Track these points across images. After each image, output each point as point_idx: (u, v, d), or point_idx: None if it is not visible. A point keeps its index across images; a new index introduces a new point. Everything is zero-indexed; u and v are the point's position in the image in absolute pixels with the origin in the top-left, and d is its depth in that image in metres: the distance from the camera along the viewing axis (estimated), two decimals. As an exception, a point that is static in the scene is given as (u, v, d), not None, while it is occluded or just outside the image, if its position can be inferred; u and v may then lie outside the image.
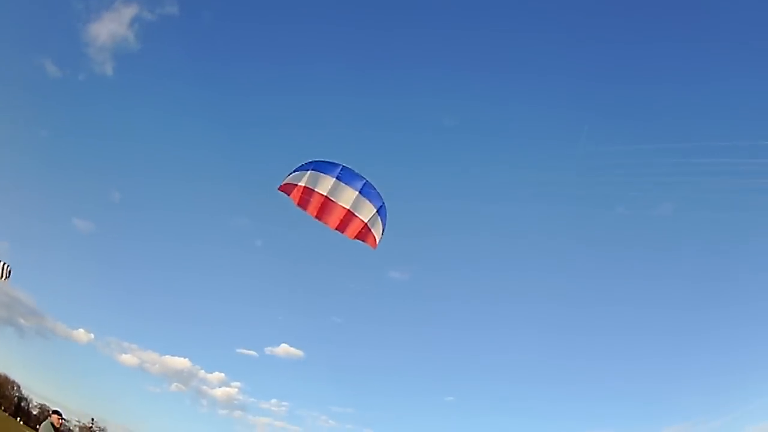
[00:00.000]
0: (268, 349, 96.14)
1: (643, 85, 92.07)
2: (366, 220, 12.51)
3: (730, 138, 77.39)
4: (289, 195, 12.65)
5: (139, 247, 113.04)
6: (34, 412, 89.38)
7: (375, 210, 12.50)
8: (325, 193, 12.41)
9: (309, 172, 12.45)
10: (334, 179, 12.38)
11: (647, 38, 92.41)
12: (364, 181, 12.51)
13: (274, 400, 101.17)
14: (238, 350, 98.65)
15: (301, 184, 12.50)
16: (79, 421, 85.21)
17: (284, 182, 12.70)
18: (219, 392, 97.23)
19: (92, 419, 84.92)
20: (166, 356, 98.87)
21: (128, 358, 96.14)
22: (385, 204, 12.69)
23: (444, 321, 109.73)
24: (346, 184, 12.40)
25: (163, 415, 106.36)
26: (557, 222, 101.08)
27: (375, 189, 12.59)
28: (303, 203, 12.57)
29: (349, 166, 12.47)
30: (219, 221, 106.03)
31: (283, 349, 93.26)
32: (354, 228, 12.62)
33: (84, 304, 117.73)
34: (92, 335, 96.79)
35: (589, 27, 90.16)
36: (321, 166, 12.44)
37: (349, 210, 12.49)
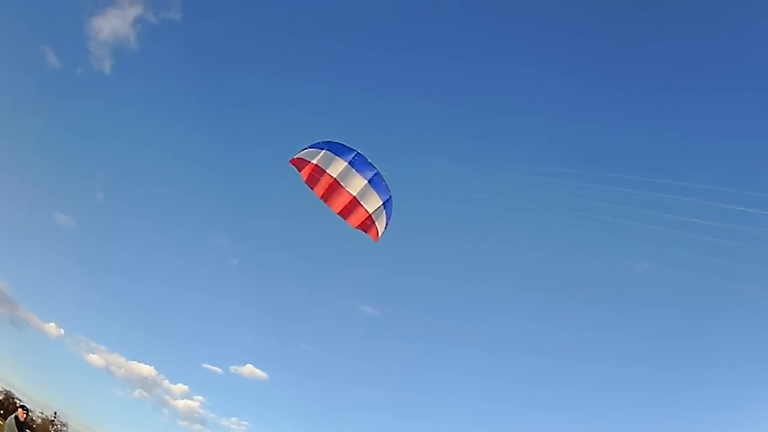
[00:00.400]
0: (233, 368, 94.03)
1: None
2: (371, 212, 12.46)
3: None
4: (299, 170, 12.51)
5: (118, 249, 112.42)
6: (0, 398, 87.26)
7: (381, 203, 12.48)
8: (335, 176, 12.32)
9: (323, 151, 12.39)
10: (347, 164, 12.28)
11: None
12: (375, 171, 12.45)
13: (234, 419, 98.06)
14: (204, 365, 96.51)
15: (314, 161, 12.41)
16: (42, 413, 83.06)
17: (297, 156, 12.59)
18: (181, 404, 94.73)
19: (55, 413, 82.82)
20: (133, 362, 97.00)
21: (95, 359, 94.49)
22: (392, 198, 12.56)
23: (413, 363, 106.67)
24: (357, 171, 12.33)
25: (125, 420, 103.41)
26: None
27: (384, 182, 12.51)
28: (311, 181, 12.40)
29: (363, 154, 12.32)
30: (199, 236, 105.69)
31: (249, 369, 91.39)
32: (358, 217, 12.54)
33: (58, 299, 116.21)
34: (62, 330, 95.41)
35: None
36: (336, 148, 12.37)
37: (355, 197, 12.41)
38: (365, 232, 12.71)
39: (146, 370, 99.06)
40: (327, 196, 12.50)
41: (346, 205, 12.48)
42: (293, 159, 12.66)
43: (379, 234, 12.60)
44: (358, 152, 12.35)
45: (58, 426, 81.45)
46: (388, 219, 12.71)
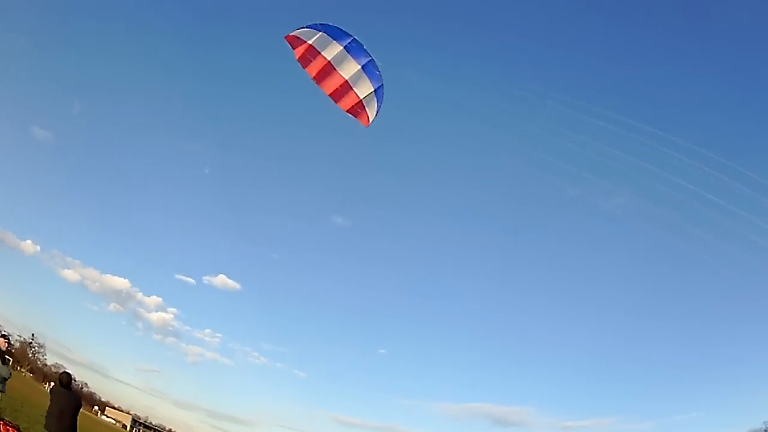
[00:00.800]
0: (206, 278, 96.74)
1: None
2: (362, 97, 12.44)
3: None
4: (293, 48, 12.44)
5: (93, 162, 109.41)
6: None
7: (373, 89, 12.46)
8: (329, 59, 12.26)
9: (320, 33, 12.27)
10: (342, 48, 12.22)
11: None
12: (370, 58, 12.38)
13: (208, 330, 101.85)
14: (177, 276, 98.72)
15: (309, 42, 12.30)
16: (20, 336, 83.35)
17: (293, 34, 12.43)
18: (155, 316, 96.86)
19: (32, 335, 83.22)
20: (107, 275, 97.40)
21: (70, 274, 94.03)
22: (384, 86, 12.53)
23: (383, 271, 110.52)
24: (352, 56, 12.28)
25: (100, 335, 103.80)
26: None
27: (378, 69, 12.51)
28: (304, 61, 12.42)
29: (360, 41, 12.33)
30: (172, 145, 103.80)
31: (221, 279, 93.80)
32: (349, 101, 12.54)
33: (34, 215, 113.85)
34: (38, 247, 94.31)
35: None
36: (332, 32, 12.28)
37: (347, 81, 12.36)
38: (355, 117, 12.82)
39: (120, 283, 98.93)
40: (320, 78, 12.54)
41: (337, 88, 12.51)
42: (289, 36, 12.54)
43: (370, 120, 12.72)
44: (354, 38, 12.37)
45: (36, 347, 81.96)
46: (379, 106, 12.81)
